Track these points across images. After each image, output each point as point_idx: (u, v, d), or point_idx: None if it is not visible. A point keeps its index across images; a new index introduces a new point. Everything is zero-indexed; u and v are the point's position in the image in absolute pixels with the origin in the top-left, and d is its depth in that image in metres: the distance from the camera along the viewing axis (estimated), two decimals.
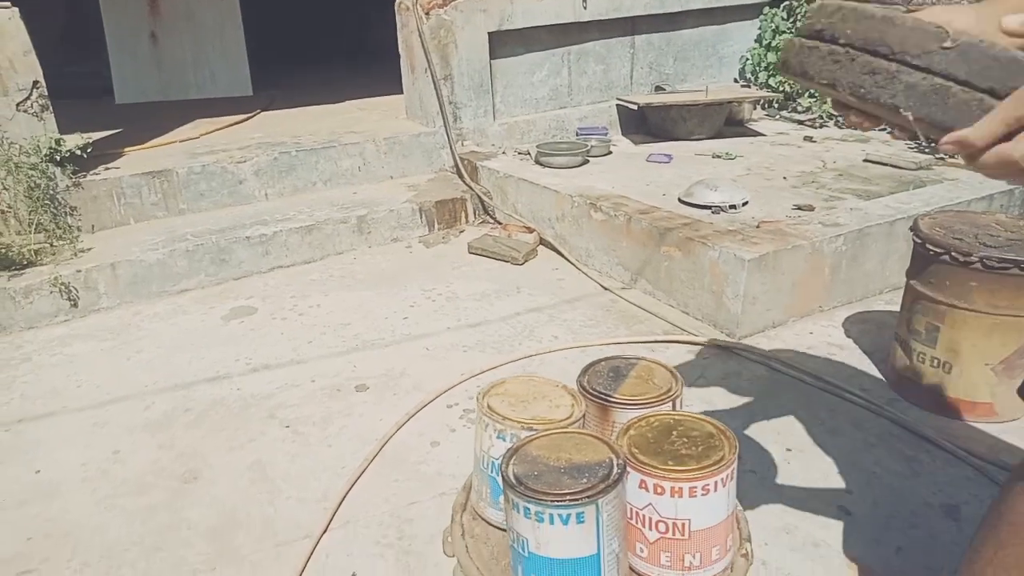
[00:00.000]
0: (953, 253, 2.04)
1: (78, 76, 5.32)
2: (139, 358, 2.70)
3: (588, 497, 0.78)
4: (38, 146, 3.10)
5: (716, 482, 0.88)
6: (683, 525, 0.80)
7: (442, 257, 3.56)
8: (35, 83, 3.12)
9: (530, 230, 3.59)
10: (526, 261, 3.43)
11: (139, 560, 1.76)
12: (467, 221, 3.91)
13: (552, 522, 0.81)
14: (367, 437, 2.19)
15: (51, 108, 3.19)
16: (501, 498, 0.99)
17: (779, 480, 1.95)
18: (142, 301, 3.14)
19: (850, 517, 1.81)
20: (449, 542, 0.96)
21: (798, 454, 2.05)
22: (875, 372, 2.43)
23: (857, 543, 1.73)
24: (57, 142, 3.16)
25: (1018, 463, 0.95)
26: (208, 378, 2.54)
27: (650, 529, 0.81)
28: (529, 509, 0.81)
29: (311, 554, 1.74)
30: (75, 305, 3.00)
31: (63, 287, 2.94)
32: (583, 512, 0.80)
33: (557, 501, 0.79)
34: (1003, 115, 0.66)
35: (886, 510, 1.83)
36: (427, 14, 4.01)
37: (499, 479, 0.95)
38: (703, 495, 0.91)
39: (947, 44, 0.69)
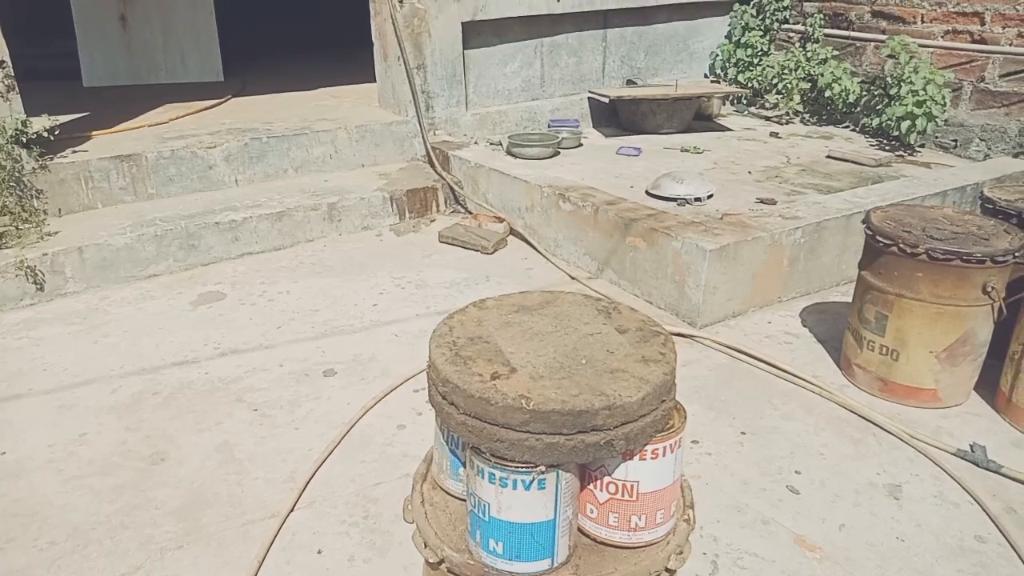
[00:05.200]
0: (900, 245, 2.13)
1: (44, 58, 5.23)
2: (106, 342, 2.69)
3: (550, 464, 0.84)
4: (3, 127, 3.06)
5: (666, 447, 0.94)
6: (632, 487, 0.86)
7: (412, 245, 3.59)
8: (1, 63, 3.07)
9: (500, 220, 3.63)
10: (496, 250, 3.48)
11: (106, 538, 1.78)
12: (438, 210, 3.94)
13: (515, 487, 0.86)
14: (334, 420, 2.22)
15: (17, 89, 3.15)
16: (460, 470, 1.04)
17: (733, 462, 2.03)
18: (109, 285, 3.13)
19: (798, 496, 1.89)
20: (409, 509, 1.01)
21: (752, 437, 2.13)
22: (828, 360, 2.53)
23: (804, 521, 1.81)
24: (23, 123, 3.12)
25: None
26: (176, 362, 2.55)
27: (601, 490, 0.86)
28: (494, 475, 0.86)
29: (278, 532, 1.78)
30: (41, 289, 2.98)
31: (29, 270, 2.92)
32: (544, 479, 0.86)
33: (521, 467, 0.85)
34: None
35: (832, 490, 1.92)
36: (401, 2, 4.02)
37: (460, 452, 0.99)
38: (652, 459, 0.97)
39: (526, 414, 0.86)
